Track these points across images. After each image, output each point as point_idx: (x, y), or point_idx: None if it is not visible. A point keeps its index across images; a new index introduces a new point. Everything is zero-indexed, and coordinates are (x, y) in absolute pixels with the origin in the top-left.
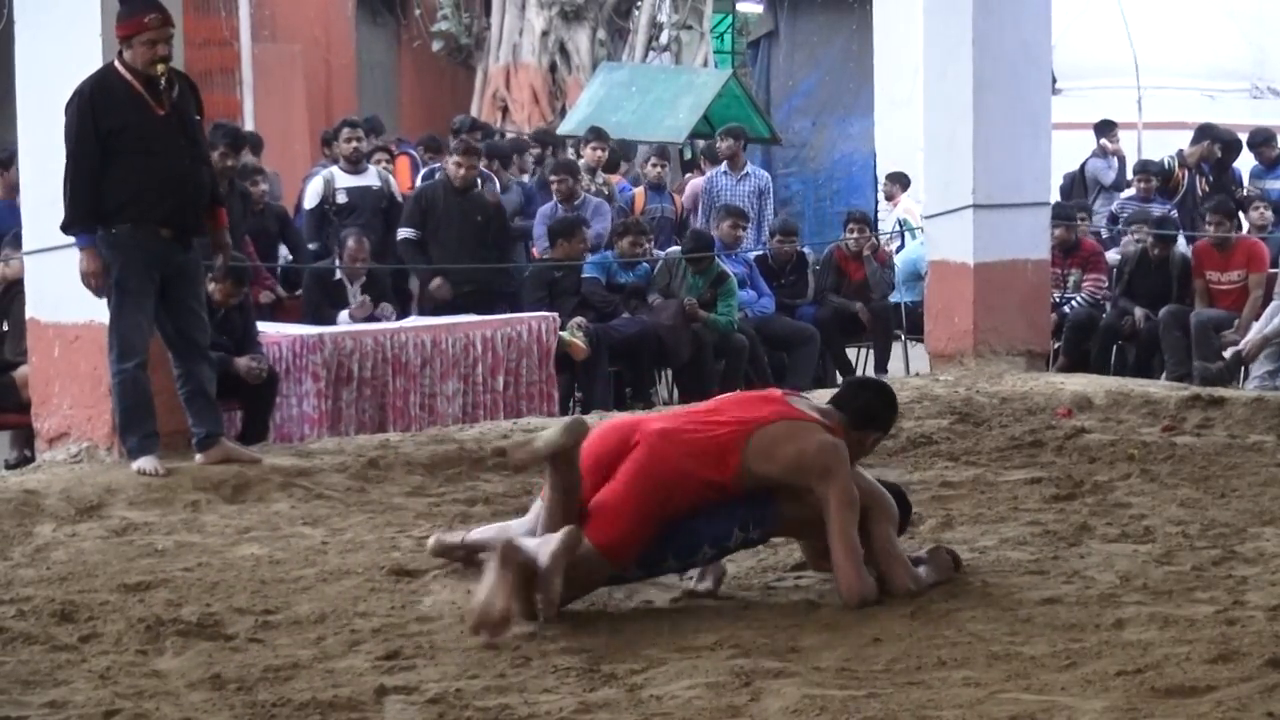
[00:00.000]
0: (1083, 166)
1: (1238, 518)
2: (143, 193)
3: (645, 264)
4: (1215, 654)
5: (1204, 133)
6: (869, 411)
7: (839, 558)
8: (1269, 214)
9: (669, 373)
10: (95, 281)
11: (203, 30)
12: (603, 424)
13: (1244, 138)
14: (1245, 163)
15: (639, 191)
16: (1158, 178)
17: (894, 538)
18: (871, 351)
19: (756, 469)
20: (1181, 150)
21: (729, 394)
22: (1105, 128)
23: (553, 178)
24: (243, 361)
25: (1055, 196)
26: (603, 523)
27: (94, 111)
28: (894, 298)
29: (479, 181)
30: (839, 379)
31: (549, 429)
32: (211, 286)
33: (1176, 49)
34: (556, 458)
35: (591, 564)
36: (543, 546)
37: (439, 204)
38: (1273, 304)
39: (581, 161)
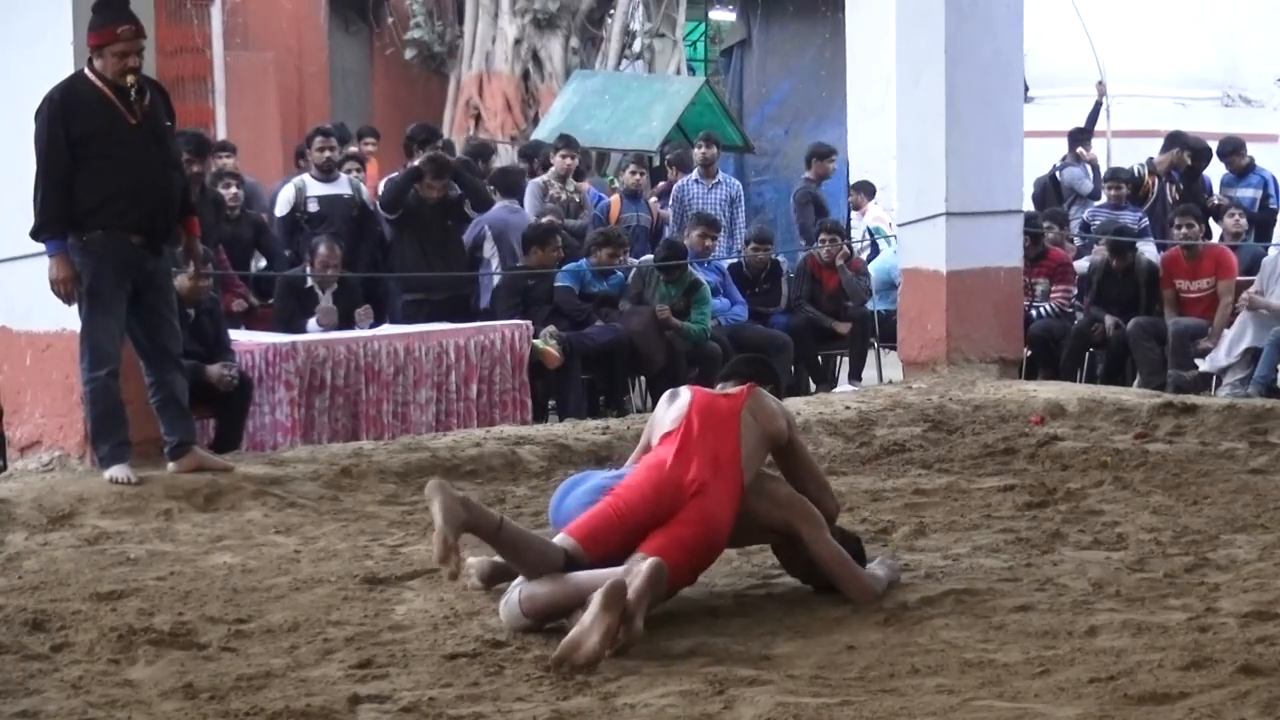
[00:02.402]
0: (1054, 174)
1: (1210, 525)
2: (114, 199)
3: (619, 273)
4: (1188, 661)
5: (1174, 140)
6: (765, 373)
7: (841, 571)
8: (1244, 221)
9: (642, 381)
10: (65, 289)
11: (175, 38)
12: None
13: (1215, 146)
14: (1216, 171)
15: (615, 200)
16: (1128, 185)
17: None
18: (845, 359)
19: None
20: (1152, 158)
21: (682, 408)
22: (1079, 135)
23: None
24: (214, 369)
25: (1027, 205)
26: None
27: (64, 118)
28: (868, 305)
29: (450, 188)
30: (813, 388)
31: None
32: (179, 280)
33: (1148, 57)
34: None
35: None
36: (630, 578)
37: (411, 204)
38: (1241, 315)
39: (551, 170)
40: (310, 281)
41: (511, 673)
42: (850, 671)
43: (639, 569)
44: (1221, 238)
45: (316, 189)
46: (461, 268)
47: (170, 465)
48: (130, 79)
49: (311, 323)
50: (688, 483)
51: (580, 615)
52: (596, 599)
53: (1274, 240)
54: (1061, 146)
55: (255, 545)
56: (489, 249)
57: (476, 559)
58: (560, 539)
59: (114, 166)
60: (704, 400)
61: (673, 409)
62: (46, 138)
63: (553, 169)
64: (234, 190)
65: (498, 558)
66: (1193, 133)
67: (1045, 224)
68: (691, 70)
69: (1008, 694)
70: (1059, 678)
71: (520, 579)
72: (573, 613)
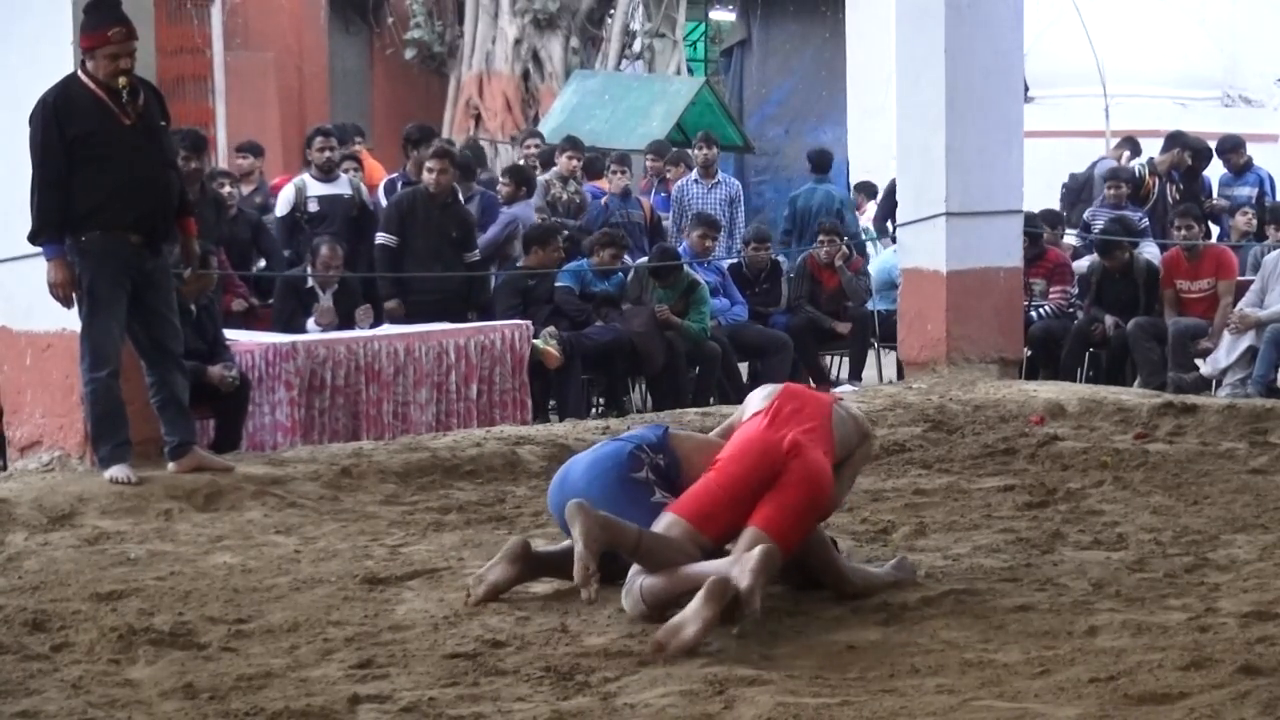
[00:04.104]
0: (1092, 168)
1: (1210, 525)
2: (111, 200)
3: (619, 273)
4: (1188, 661)
5: (1174, 140)
6: None
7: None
8: (1255, 221)
9: (643, 382)
10: (63, 291)
11: (175, 38)
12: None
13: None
14: (1215, 172)
15: (605, 201)
16: (1129, 185)
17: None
18: (845, 359)
19: None
20: (1152, 158)
21: (774, 390)
22: (1127, 144)
23: (501, 179)
24: (215, 370)
25: (1055, 201)
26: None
27: (59, 120)
28: (868, 305)
29: (458, 193)
30: (812, 387)
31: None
32: (186, 273)
33: (1148, 57)
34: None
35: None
36: (741, 565)
37: (417, 213)
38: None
39: (554, 170)
40: (310, 281)
41: (512, 673)
42: (850, 671)
43: (751, 555)
44: (1222, 237)
45: (316, 189)
46: (460, 268)
47: (170, 465)
48: (122, 80)
49: (311, 323)
50: (785, 444)
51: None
52: (702, 592)
53: (1268, 238)
54: (1062, 146)
55: (255, 545)
56: (518, 247)
57: (494, 572)
58: (671, 521)
59: (110, 167)
60: (797, 389)
61: (763, 392)
62: (41, 141)
63: (555, 169)
64: (227, 189)
65: (500, 566)
66: (1193, 133)
67: (1068, 221)
68: (691, 70)
69: (1008, 694)
70: (1059, 678)
71: (636, 570)
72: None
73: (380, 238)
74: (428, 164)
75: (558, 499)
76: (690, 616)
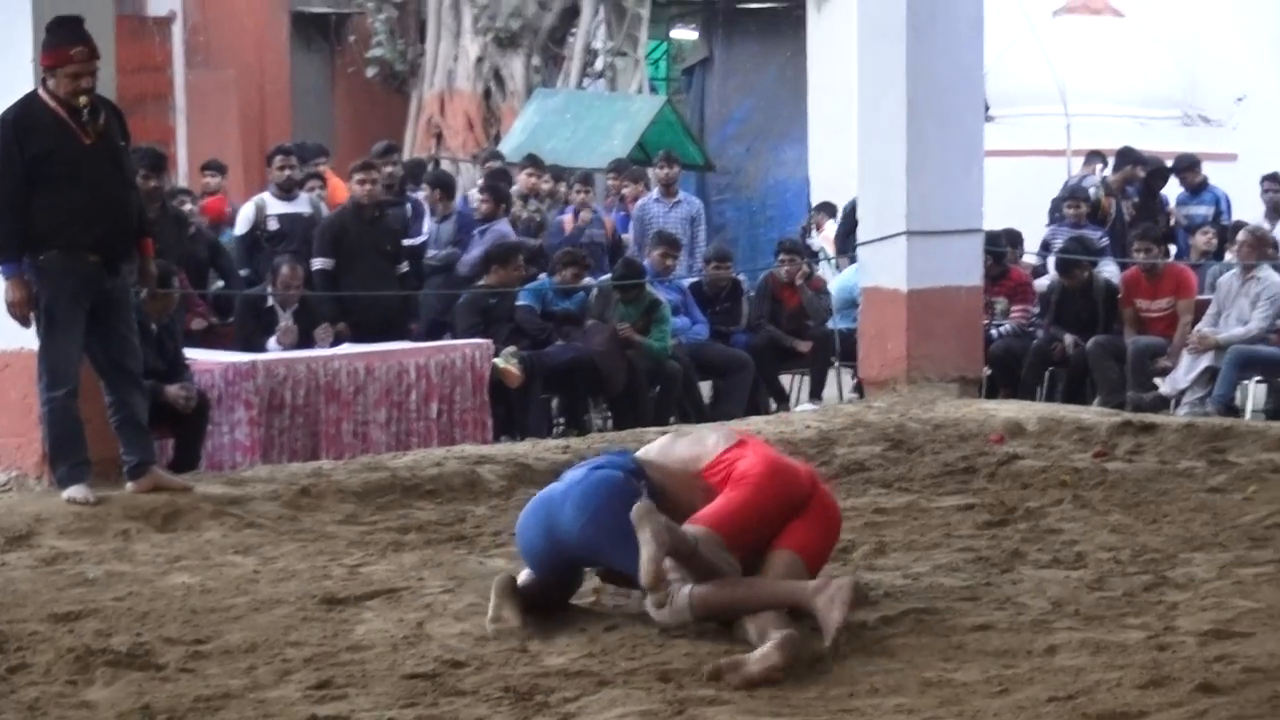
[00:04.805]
0: (1081, 181)
1: (1169, 543)
2: (71, 219)
3: (581, 292)
4: (1146, 679)
5: (1124, 157)
6: None
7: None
8: (1214, 241)
9: (604, 400)
10: (21, 310)
11: (136, 56)
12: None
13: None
14: (1174, 191)
15: (569, 219)
16: (1088, 205)
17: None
18: (805, 378)
19: None
20: (1106, 178)
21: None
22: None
23: (478, 196)
24: (173, 390)
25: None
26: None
27: (18, 139)
28: (829, 324)
29: (385, 208)
30: (772, 406)
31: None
32: (143, 293)
33: (1109, 76)
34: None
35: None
36: (829, 597)
37: (350, 232)
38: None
39: (514, 188)
40: (271, 300)
41: (471, 693)
42: (810, 691)
43: (842, 587)
44: (1180, 255)
45: (276, 207)
46: (393, 287)
47: (129, 485)
48: (83, 99)
49: (271, 342)
50: (806, 474)
51: (750, 628)
52: (779, 639)
53: (1225, 258)
54: (1023, 165)
55: (214, 565)
56: None
57: (508, 612)
58: (702, 533)
59: (69, 186)
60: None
61: (721, 430)
62: (1, 159)
63: (515, 188)
64: (188, 207)
65: (507, 606)
66: (1153, 152)
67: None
68: (653, 89)
69: (967, 713)
70: (1018, 696)
71: (674, 579)
72: (741, 617)
73: (317, 263)
74: (355, 176)
75: (539, 535)
76: (758, 657)
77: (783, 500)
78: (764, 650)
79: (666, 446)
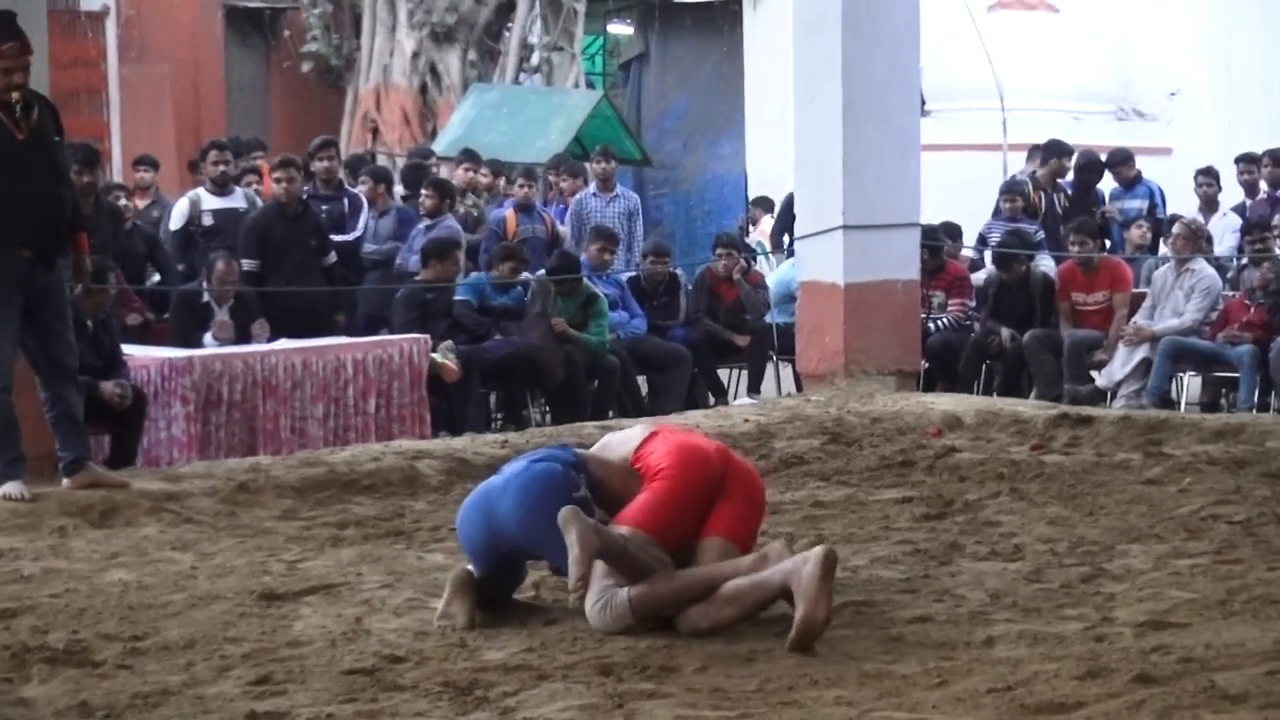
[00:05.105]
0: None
1: (1105, 535)
2: (4, 214)
3: (518, 287)
4: (1084, 671)
5: (1049, 150)
6: None
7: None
8: (1149, 234)
9: (542, 395)
10: None
11: (69, 51)
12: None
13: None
14: (1108, 185)
15: (511, 214)
16: (1023, 199)
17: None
18: (743, 372)
19: None
20: (1034, 172)
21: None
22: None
23: (424, 191)
24: (107, 386)
25: (951, 214)
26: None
27: None
28: (766, 318)
29: (306, 203)
30: (711, 400)
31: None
32: (78, 289)
33: (1044, 71)
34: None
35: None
36: (801, 572)
37: (274, 231)
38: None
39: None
40: (207, 296)
41: (410, 688)
42: (749, 684)
43: (809, 558)
44: (1113, 250)
45: (211, 203)
46: (320, 281)
47: (65, 481)
48: (16, 95)
49: (208, 337)
50: (716, 451)
51: (708, 610)
52: (812, 575)
53: (1160, 252)
54: (959, 160)
55: (151, 562)
56: (461, 258)
57: (457, 608)
58: (629, 533)
59: (2, 182)
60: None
61: (636, 429)
62: None
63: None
64: (123, 203)
65: (459, 600)
66: (1088, 146)
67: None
68: (590, 84)
69: (906, 705)
70: (957, 688)
71: (610, 583)
72: (684, 608)
73: (243, 264)
74: (274, 175)
75: (479, 528)
76: (814, 602)
77: (699, 486)
78: (811, 594)
79: (603, 441)
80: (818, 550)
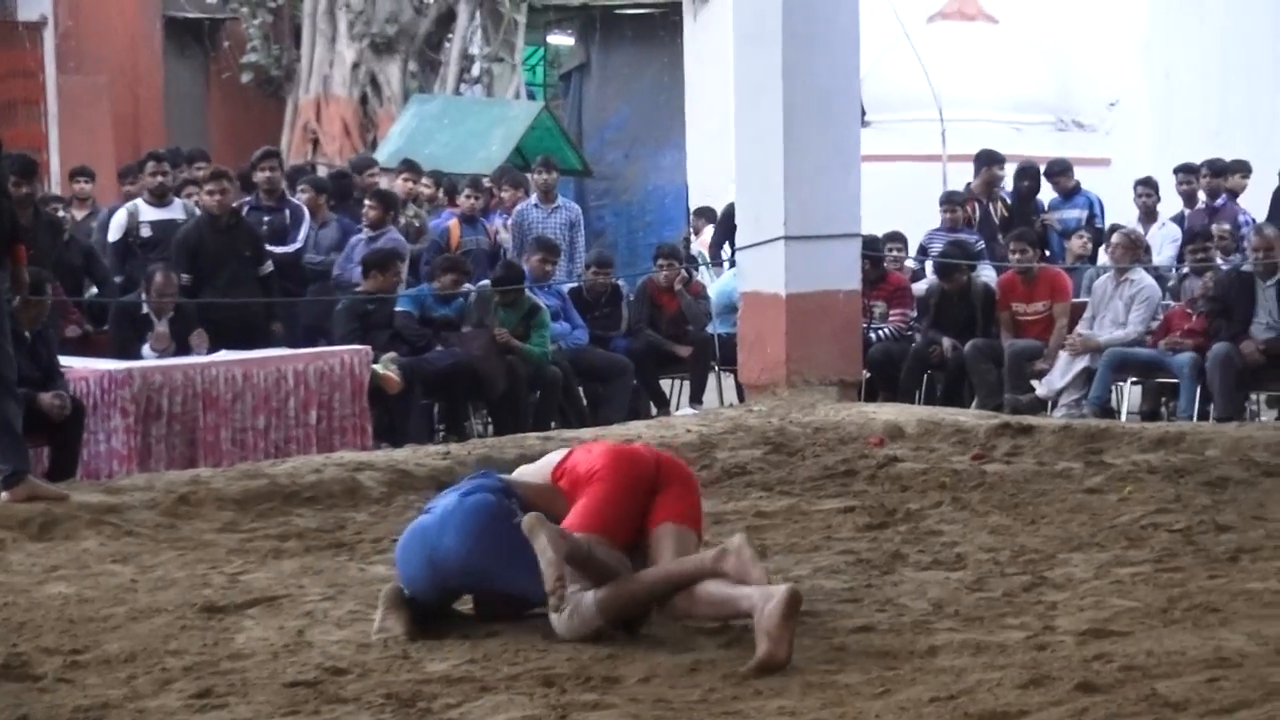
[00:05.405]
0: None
1: (1047, 544)
2: None
3: (460, 298)
4: (1026, 679)
5: (981, 160)
6: None
7: None
8: (1089, 244)
9: (484, 406)
10: None
11: (7, 61)
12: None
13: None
14: (1046, 195)
15: (454, 224)
16: (963, 209)
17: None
18: (685, 383)
19: None
20: (969, 183)
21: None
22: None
23: (367, 202)
24: (46, 397)
25: (892, 225)
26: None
27: None
28: (708, 329)
29: (239, 214)
30: (653, 411)
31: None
32: (15, 301)
33: (983, 82)
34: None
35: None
36: (769, 607)
37: (206, 243)
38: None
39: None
40: (145, 308)
41: (353, 700)
42: (693, 695)
43: (773, 595)
44: (1053, 260)
45: (150, 214)
46: (255, 292)
47: (3, 494)
48: None
49: (146, 349)
50: (645, 450)
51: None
52: (774, 614)
53: (1099, 261)
54: (899, 170)
55: (91, 575)
56: (404, 270)
57: (393, 621)
58: (585, 537)
59: None
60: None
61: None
62: None
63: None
64: (61, 214)
65: (394, 616)
66: (1027, 157)
67: (890, 248)
68: (531, 95)
69: (849, 714)
70: (900, 697)
71: (574, 588)
72: (649, 608)
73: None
74: (206, 187)
75: (422, 570)
76: (777, 639)
77: (636, 481)
78: (772, 632)
79: (518, 470)
80: (783, 589)
